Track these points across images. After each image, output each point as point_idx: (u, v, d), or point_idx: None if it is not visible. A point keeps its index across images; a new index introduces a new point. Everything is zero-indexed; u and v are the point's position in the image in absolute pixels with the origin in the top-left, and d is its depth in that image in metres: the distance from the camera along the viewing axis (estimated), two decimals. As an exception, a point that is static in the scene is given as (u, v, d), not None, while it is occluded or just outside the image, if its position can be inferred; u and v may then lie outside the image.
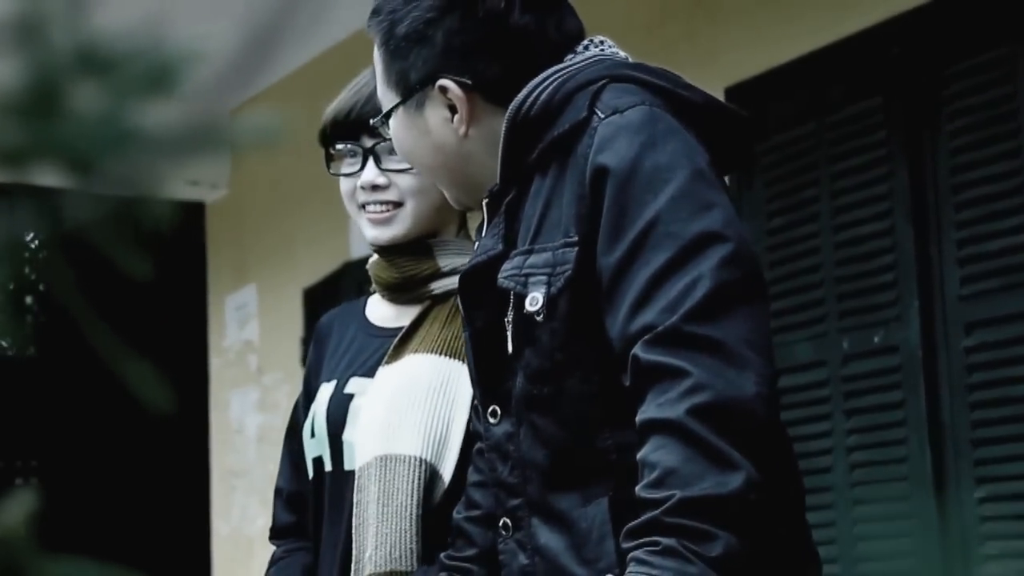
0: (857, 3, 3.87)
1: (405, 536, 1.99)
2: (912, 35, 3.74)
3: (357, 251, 5.66)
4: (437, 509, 1.99)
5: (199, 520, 6.65)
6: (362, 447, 2.05)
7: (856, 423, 3.81)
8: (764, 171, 4.08)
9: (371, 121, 1.94)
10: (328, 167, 2.17)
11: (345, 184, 2.15)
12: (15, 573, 0.63)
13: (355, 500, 2.04)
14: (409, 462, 2.00)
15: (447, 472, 2.00)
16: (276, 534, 2.26)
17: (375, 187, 2.10)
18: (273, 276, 6.33)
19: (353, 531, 2.04)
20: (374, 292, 2.22)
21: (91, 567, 0.64)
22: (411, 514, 1.99)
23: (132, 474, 7.83)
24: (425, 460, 2.00)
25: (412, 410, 2.02)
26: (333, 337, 2.23)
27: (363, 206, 2.12)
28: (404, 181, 2.09)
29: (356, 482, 2.04)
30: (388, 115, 1.84)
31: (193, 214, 6.82)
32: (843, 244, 3.86)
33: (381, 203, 2.11)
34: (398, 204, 2.11)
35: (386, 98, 1.84)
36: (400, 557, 1.99)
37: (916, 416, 3.65)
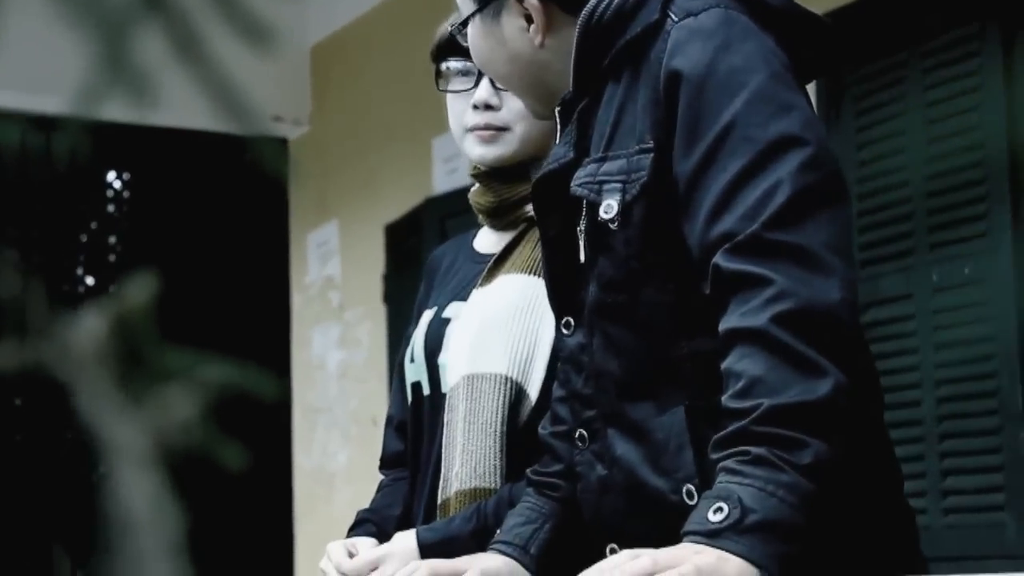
0: (950, -73, 3.78)
1: (490, 453, 1.99)
2: (1007, -41, 3.64)
3: (439, 186, 5.64)
4: (524, 427, 1.99)
5: (281, 455, 6.69)
6: (453, 368, 2.06)
7: (945, 356, 3.74)
8: (854, 101, 4.01)
9: (449, 29, 1.92)
10: (437, 84, 2.16)
11: (454, 103, 2.14)
12: (135, 358, 0.60)
13: (445, 420, 2.04)
14: (495, 380, 1.99)
15: (534, 390, 2.00)
16: (385, 462, 2.27)
17: (487, 106, 2.09)
18: (355, 212, 6.32)
19: (443, 451, 2.04)
20: (481, 224, 2.23)
21: (212, 361, 0.61)
22: (496, 431, 1.98)
23: (213, 408, 7.88)
24: (511, 378, 2.00)
25: (500, 329, 2.02)
26: (442, 267, 2.25)
27: (471, 129, 2.10)
28: (515, 102, 2.07)
29: (447, 402, 2.04)
30: (465, 22, 1.82)
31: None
32: (934, 175, 3.78)
33: (491, 126, 2.09)
34: (506, 128, 2.09)
35: (464, 4, 1.82)
36: (485, 474, 1.99)
37: (1006, 349, 3.58)
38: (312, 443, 6.56)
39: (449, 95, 2.15)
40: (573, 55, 1.70)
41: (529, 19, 1.75)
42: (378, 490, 2.25)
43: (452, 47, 2.12)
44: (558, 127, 1.75)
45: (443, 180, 5.62)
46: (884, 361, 3.76)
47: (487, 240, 2.21)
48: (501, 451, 1.99)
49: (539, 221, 1.78)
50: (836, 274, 1.48)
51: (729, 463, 1.45)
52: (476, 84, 2.11)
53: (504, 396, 1.99)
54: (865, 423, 1.55)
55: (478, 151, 2.11)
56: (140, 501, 0.51)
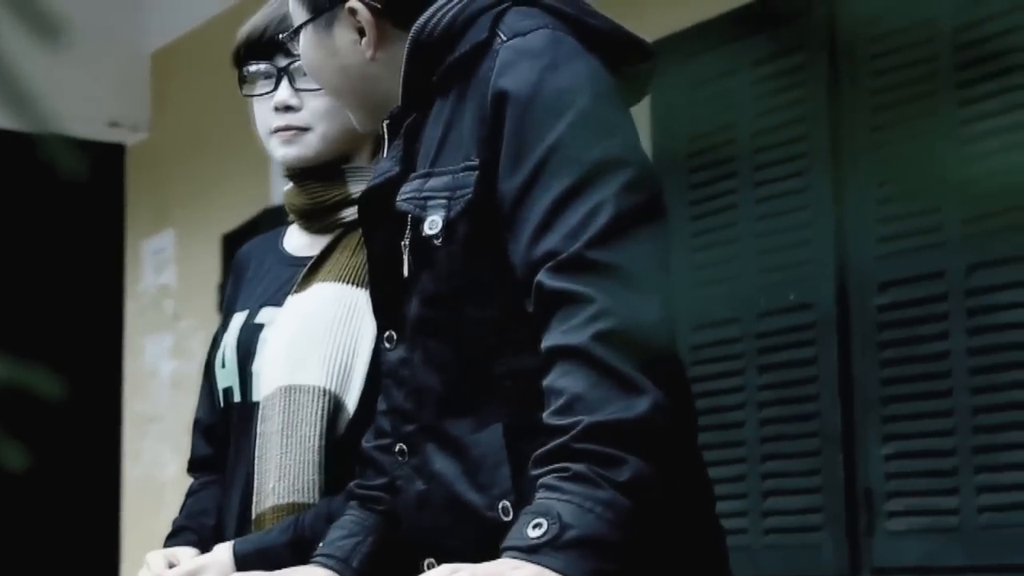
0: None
1: (308, 468, 1.97)
2: (838, -7, 3.74)
3: (278, 197, 5.61)
4: (341, 440, 1.97)
5: (109, 464, 6.59)
6: (267, 378, 2.03)
7: (768, 379, 3.82)
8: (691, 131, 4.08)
9: (280, 36, 1.92)
10: (241, 88, 2.15)
11: (259, 107, 2.13)
12: None
13: (258, 431, 2.01)
14: (313, 392, 1.98)
15: (351, 402, 1.98)
16: (193, 466, 2.24)
17: (287, 108, 2.09)
18: (192, 221, 6.26)
19: (256, 463, 2.02)
20: (292, 222, 2.20)
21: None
22: (315, 445, 1.97)
23: (42, 416, 7.74)
24: (329, 391, 1.98)
25: (316, 340, 2.00)
26: (251, 267, 2.22)
27: (275, 131, 2.10)
28: (316, 102, 2.07)
29: (260, 413, 2.02)
30: (297, 32, 1.82)
31: (112, 156, 6.74)
32: (762, 199, 3.87)
33: (291, 127, 2.09)
34: (307, 128, 2.09)
35: (296, 14, 1.82)
36: (303, 488, 1.97)
37: (827, 373, 3.67)
38: (142, 452, 6.47)
39: (254, 99, 2.15)
40: (403, 70, 1.71)
41: (361, 32, 1.75)
42: (188, 494, 2.22)
43: (253, 50, 2.12)
44: (385, 141, 1.76)
45: (281, 191, 5.60)
46: (709, 382, 3.83)
47: (298, 241, 2.18)
48: (320, 466, 1.97)
49: (364, 235, 1.78)
50: (656, 293, 1.51)
51: (549, 479, 1.46)
52: (276, 86, 2.10)
53: (322, 409, 1.97)
54: (681, 441, 1.58)
55: (280, 152, 2.10)
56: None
